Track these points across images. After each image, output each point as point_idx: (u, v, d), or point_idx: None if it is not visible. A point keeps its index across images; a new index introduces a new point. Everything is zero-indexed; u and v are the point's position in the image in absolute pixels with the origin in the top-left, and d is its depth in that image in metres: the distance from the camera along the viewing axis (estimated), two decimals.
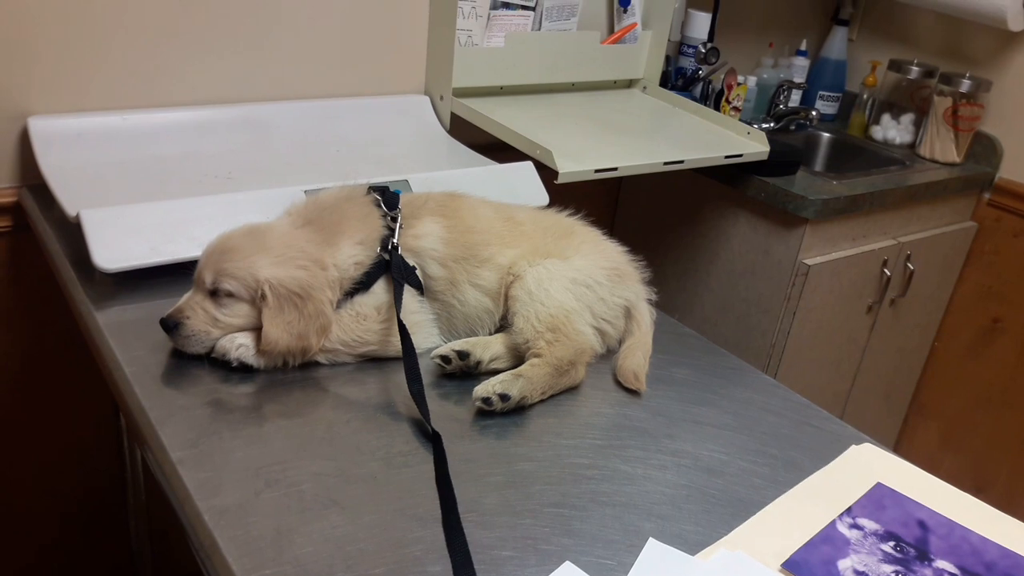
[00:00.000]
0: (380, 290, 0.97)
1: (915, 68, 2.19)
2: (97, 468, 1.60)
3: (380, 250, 0.97)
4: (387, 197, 1.02)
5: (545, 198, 1.41)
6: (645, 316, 1.07)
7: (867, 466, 0.90)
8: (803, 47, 2.30)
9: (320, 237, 0.96)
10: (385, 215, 1.00)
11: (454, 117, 1.65)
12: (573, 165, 1.45)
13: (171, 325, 0.91)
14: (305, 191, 1.20)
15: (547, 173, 1.43)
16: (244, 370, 0.92)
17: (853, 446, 0.93)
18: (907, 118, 2.23)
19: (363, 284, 0.96)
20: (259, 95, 1.50)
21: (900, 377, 2.33)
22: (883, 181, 1.94)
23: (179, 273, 1.03)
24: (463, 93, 1.68)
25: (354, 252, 0.96)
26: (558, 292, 0.99)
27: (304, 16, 1.50)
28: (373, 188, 1.04)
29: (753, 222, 1.87)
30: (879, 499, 0.85)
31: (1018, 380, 2.19)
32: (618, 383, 1.00)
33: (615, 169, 1.52)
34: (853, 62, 2.39)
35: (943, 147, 2.13)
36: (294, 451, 0.80)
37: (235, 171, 1.30)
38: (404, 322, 0.92)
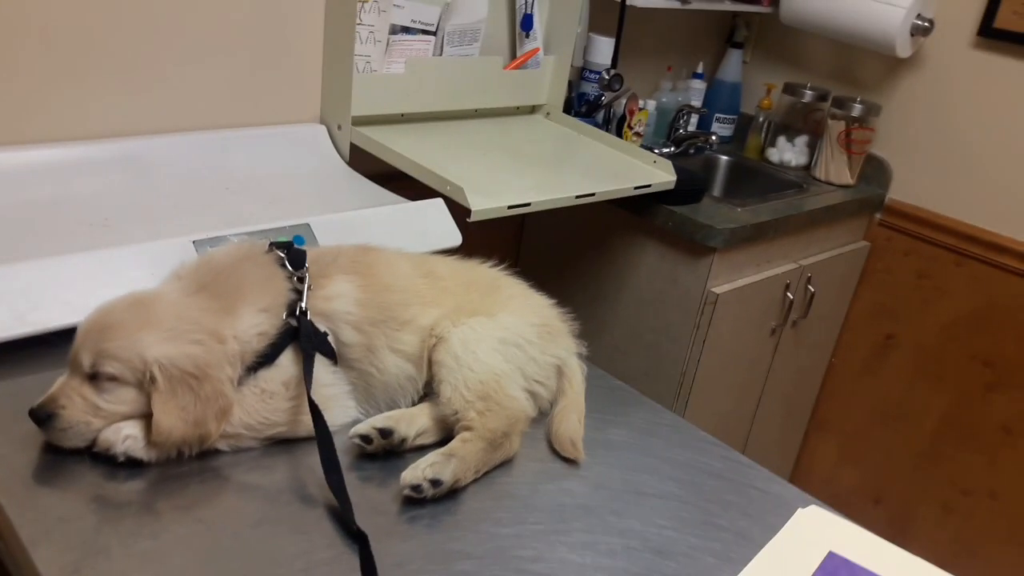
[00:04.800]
0: (288, 362, 0.86)
1: (809, 91, 2.23)
2: None
3: (286, 316, 0.87)
4: (292, 254, 0.92)
5: (458, 238, 1.33)
6: (577, 373, 1.00)
7: (817, 533, 0.86)
8: (700, 70, 2.31)
9: (217, 305, 0.85)
10: (291, 275, 0.89)
11: (353, 147, 1.55)
12: (486, 202, 1.38)
13: (43, 416, 0.78)
14: (194, 241, 1.08)
15: (456, 206, 1.35)
16: (132, 465, 0.79)
17: (800, 510, 0.89)
18: (802, 140, 2.27)
19: (268, 357, 0.85)
20: (137, 128, 1.35)
21: (800, 395, 2.37)
22: (784, 207, 1.95)
23: (51, 346, 0.89)
24: (362, 121, 1.57)
25: (257, 321, 0.85)
26: (487, 355, 0.90)
27: (187, 40, 1.36)
28: (276, 244, 0.93)
29: (661, 251, 1.85)
30: (833, 571, 0.81)
31: (911, 394, 2.26)
32: (554, 451, 0.93)
33: (528, 205, 1.45)
34: (749, 84, 2.43)
35: (837, 169, 2.18)
36: (199, 568, 0.69)
37: (112, 217, 1.16)
38: (316, 397, 0.82)
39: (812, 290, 2.08)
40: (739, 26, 2.36)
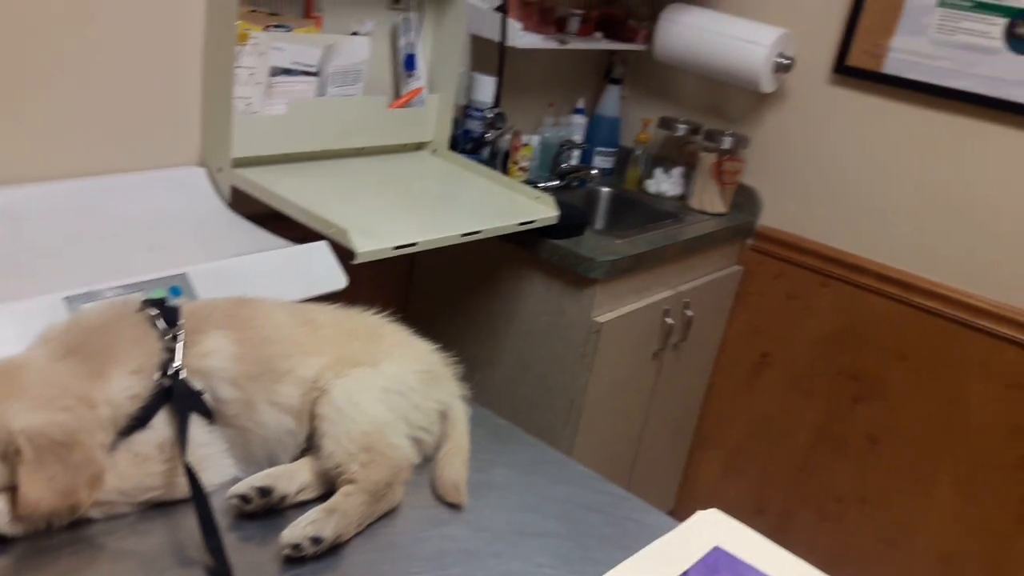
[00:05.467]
0: (162, 424, 0.85)
1: (682, 125, 2.34)
2: None
3: (159, 377, 0.86)
4: (165, 312, 0.91)
5: (342, 281, 1.33)
6: (461, 417, 1.03)
7: (709, 531, 0.92)
8: (581, 105, 2.39)
9: (86, 368, 0.83)
10: (164, 334, 0.89)
11: (235, 190, 1.53)
12: (371, 243, 1.39)
13: None
14: (65, 298, 1.05)
15: (342, 247, 1.35)
16: None
17: (699, 511, 0.95)
18: (677, 171, 2.38)
19: (141, 419, 0.84)
20: (2, 177, 1.30)
21: (684, 414, 2.47)
22: (661, 237, 2.04)
23: None
24: (244, 163, 1.56)
25: (128, 383, 0.84)
26: (369, 405, 0.92)
27: (56, 80, 1.32)
28: (148, 302, 0.92)
29: (547, 283, 1.90)
30: (714, 563, 0.86)
31: (786, 409, 2.39)
32: (438, 496, 0.95)
33: (414, 244, 1.47)
34: (627, 119, 2.53)
35: (711, 199, 2.29)
36: None
37: None
38: (192, 458, 0.82)
39: (690, 314, 2.18)
40: (616, 63, 2.46)
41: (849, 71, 2.10)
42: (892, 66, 2.03)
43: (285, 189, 1.49)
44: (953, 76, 1.95)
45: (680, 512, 1.43)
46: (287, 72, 1.62)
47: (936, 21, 1.95)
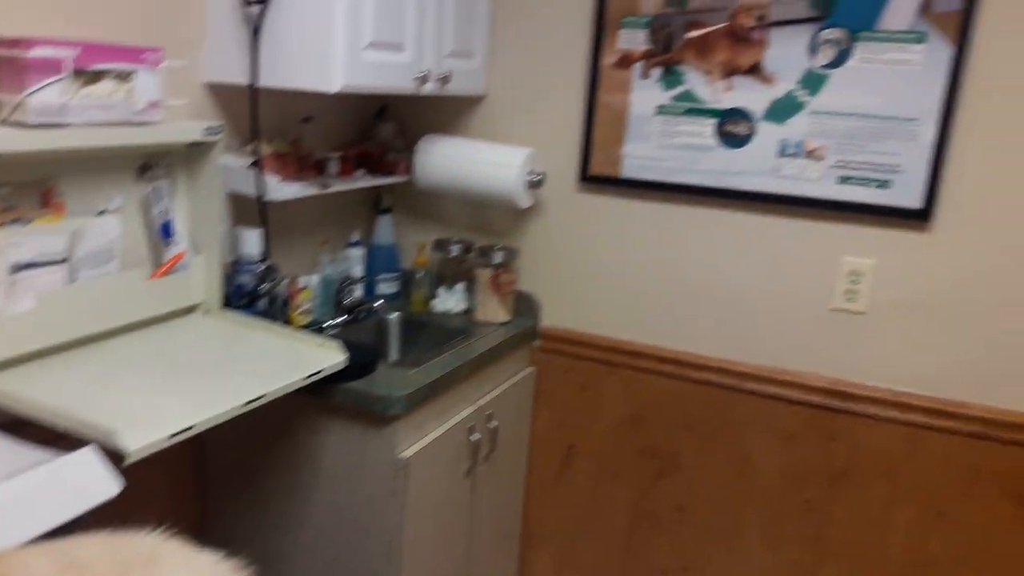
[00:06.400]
0: None
1: (455, 245, 2.45)
2: None
3: None
4: None
5: (114, 487, 1.25)
6: None
7: None
8: (355, 238, 2.43)
9: None
10: None
11: None
12: (142, 437, 1.33)
13: None
14: None
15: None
16: None
17: None
18: (460, 288, 2.47)
19: None
20: None
21: (508, 521, 2.50)
22: (454, 357, 2.10)
23: None
24: None
25: None
26: None
27: None
28: None
29: (346, 427, 1.89)
30: None
31: (600, 495, 2.49)
32: None
33: (191, 428, 1.42)
34: (403, 244, 2.60)
35: (493, 310, 2.39)
36: None
37: None
38: None
39: (495, 424, 2.24)
40: (383, 194, 2.54)
41: (592, 179, 2.30)
42: (628, 170, 2.24)
43: (39, 392, 1.40)
44: (680, 173, 2.19)
45: None
46: (31, 266, 1.53)
47: (657, 128, 2.19)
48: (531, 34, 2.33)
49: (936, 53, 1.89)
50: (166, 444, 1.36)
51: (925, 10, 1.89)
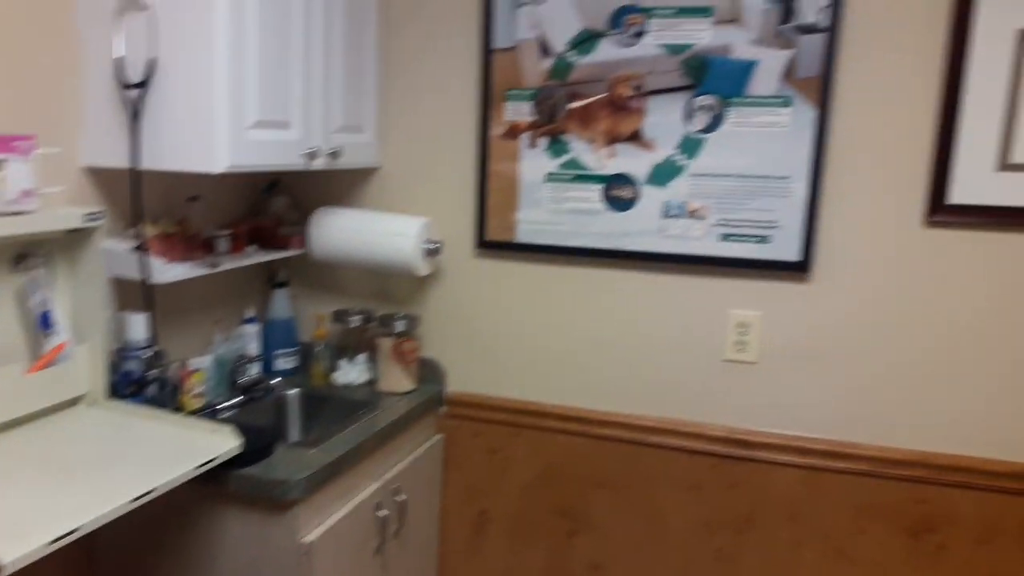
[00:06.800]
0: None
1: (355, 316, 2.42)
2: None
3: None
4: None
5: None
6: None
7: None
8: (250, 314, 2.38)
9: None
10: None
11: None
12: (20, 547, 1.25)
13: None
14: None
15: None
16: None
17: None
18: (362, 358, 2.44)
19: None
20: None
21: None
22: (357, 432, 2.06)
23: None
24: None
25: None
26: None
27: None
28: None
29: (244, 515, 1.82)
30: None
31: (515, 559, 2.47)
32: None
33: (75, 531, 1.35)
34: (301, 317, 2.56)
35: (397, 380, 2.37)
36: None
37: None
38: None
39: (403, 498, 2.20)
40: (279, 268, 2.50)
41: (489, 244, 2.33)
42: (523, 235, 2.29)
43: None
44: (572, 236, 2.24)
45: None
46: None
47: (548, 194, 2.25)
48: (421, 107, 2.37)
49: (801, 115, 2.02)
50: (47, 551, 1.28)
51: (788, 76, 2.01)
